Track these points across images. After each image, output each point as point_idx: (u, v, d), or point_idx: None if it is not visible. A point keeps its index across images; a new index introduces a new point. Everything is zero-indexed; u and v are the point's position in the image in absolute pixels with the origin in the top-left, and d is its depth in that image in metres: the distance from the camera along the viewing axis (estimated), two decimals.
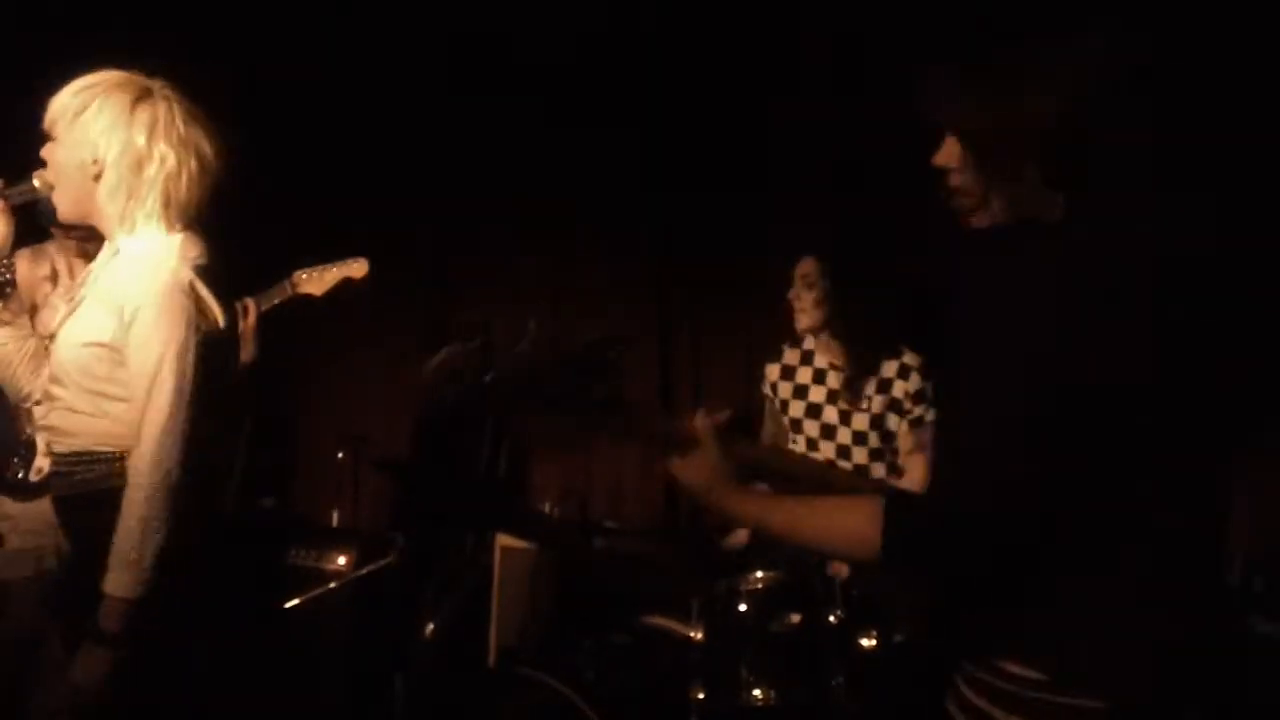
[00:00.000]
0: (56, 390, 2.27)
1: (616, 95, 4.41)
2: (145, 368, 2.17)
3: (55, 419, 2.29)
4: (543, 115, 4.49)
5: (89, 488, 2.25)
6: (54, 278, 3.09)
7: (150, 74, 2.35)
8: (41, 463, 2.99)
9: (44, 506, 2.99)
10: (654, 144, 4.41)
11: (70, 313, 2.32)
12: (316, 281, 3.35)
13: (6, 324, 2.41)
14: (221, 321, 2.30)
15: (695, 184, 4.38)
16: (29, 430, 3.01)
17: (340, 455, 4.20)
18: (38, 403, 2.42)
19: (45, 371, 2.41)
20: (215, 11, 4.20)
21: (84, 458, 2.25)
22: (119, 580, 2.11)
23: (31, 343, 2.43)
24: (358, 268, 3.40)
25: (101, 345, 2.22)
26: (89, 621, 2.13)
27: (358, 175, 4.61)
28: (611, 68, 4.40)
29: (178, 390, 2.17)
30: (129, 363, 2.20)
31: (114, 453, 2.23)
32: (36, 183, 2.34)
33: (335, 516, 4.23)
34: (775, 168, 4.25)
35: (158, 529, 2.12)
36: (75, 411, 2.25)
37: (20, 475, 3.02)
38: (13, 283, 2.41)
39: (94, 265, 2.39)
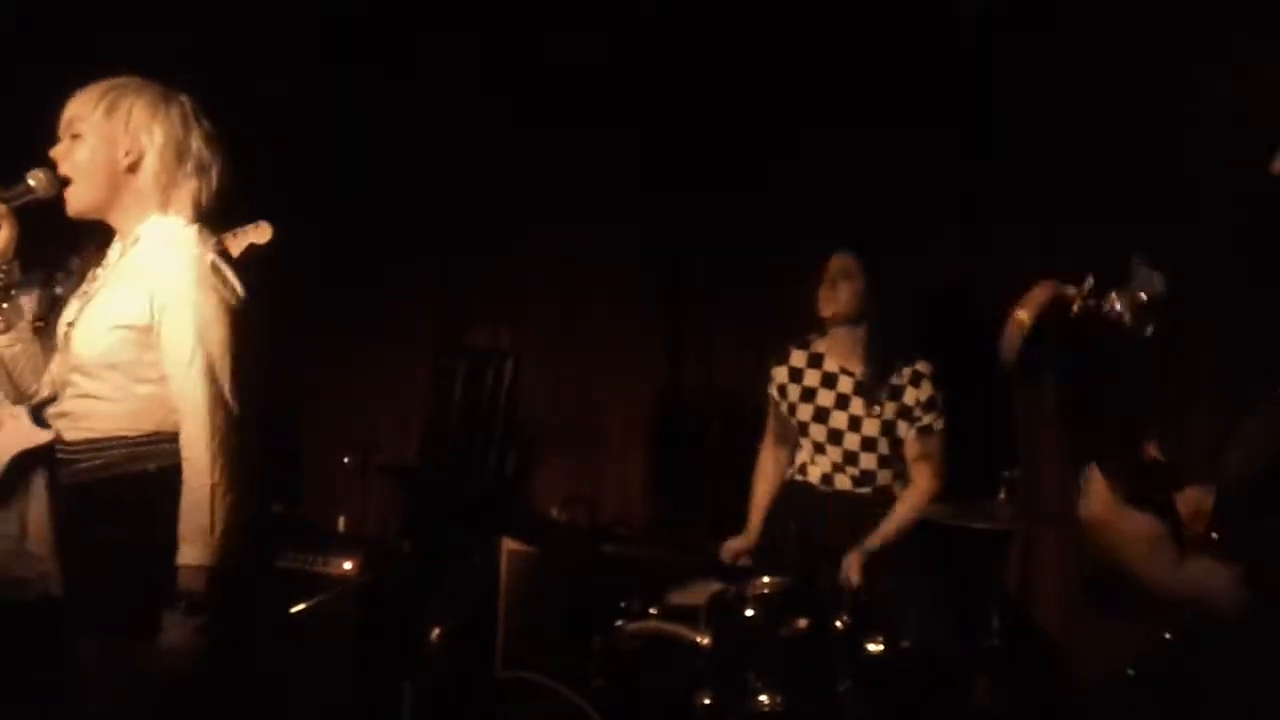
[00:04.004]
0: (77, 378, 2.32)
1: (621, 95, 4.41)
2: (182, 344, 2.25)
3: (73, 405, 2.32)
4: (547, 117, 4.49)
5: (107, 473, 2.28)
6: None
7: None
8: None
9: (12, 532, 2.98)
10: (660, 144, 4.41)
11: (88, 301, 2.36)
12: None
13: (12, 326, 2.42)
14: (240, 295, 2.36)
15: (704, 183, 4.37)
16: None
17: (346, 461, 4.19)
18: (44, 400, 2.45)
19: (50, 370, 2.45)
20: (215, 13, 4.21)
21: (104, 443, 2.29)
22: (193, 551, 2.20)
23: (35, 345, 2.47)
24: (261, 232, 3.34)
25: (131, 328, 2.27)
26: (172, 594, 2.19)
27: (362, 180, 4.61)
28: (615, 68, 4.40)
29: (216, 363, 2.26)
30: (161, 342, 2.26)
31: (138, 436, 2.28)
32: (31, 182, 2.36)
33: (342, 522, 4.22)
34: (782, 166, 4.25)
35: (224, 494, 2.21)
36: (97, 397, 2.30)
37: None
38: (17, 285, 2.43)
39: (108, 255, 2.43)
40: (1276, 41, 2.74)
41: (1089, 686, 3.29)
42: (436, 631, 3.62)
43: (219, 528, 2.20)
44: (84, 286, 2.43)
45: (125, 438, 2.29)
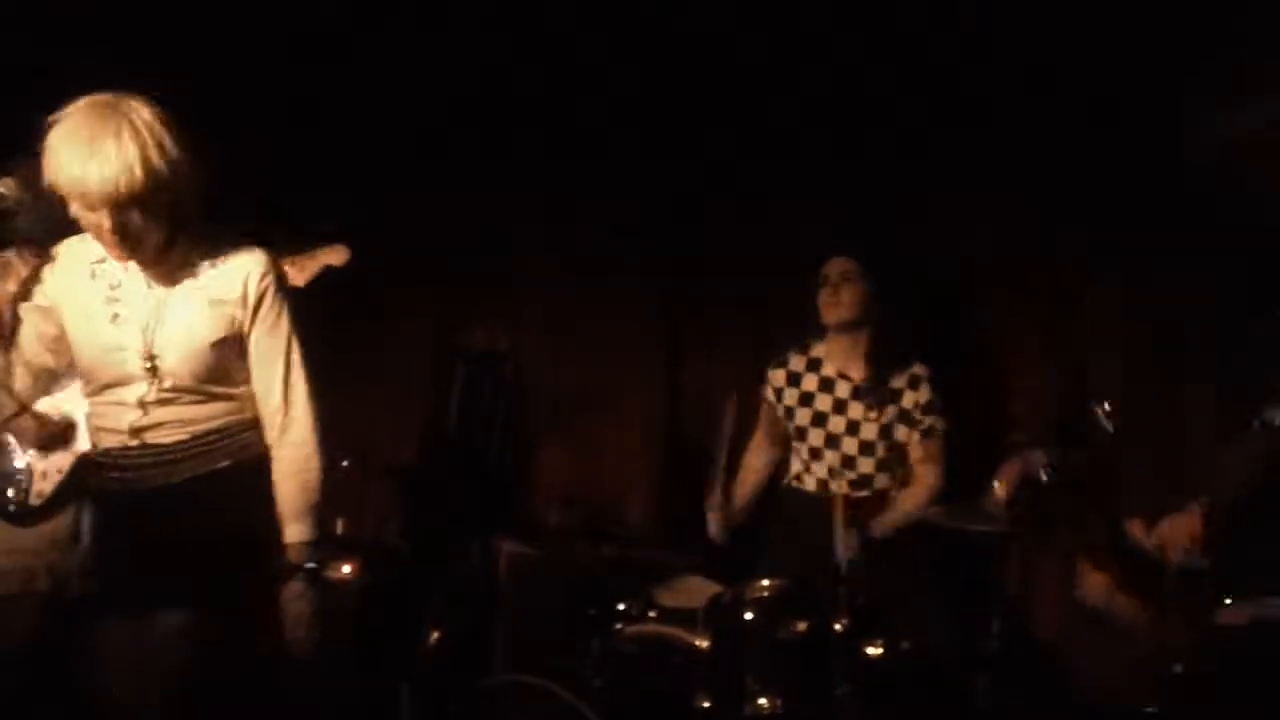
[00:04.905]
0: (172, 395, 2.43)
1: (621, 96, 4.40)
2: (279, 346, 2.48)
3: (167, 415, 2.44)
4: (548, 120, 4.49)
5: (213, 463, 2.46)
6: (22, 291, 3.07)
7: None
8: (41, 486, 2.98)
9: (41, 529, 2.99)
10: (660, 144, 4.40)
11: (156, 323, 2.40)
12: (298, 272, 3.33)
13: None
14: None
15: (704, 184, 4.37)
16: (19, 458, 2.97)
17: (345, 464, 4.18)
18: (14, 416, 2.51)
19: (15, 386, 2.50)
20: (216, 13, 4.20)
21: (211, 435, 2.47)
22: (303, 528, 2.47)
23: (3, 359, 2.49)
24: (338, 254, 3.37)
25: (225, 341, 2.44)
26: (281, 567, 2.44)
27: (361, 180, 4.60)
28: (616, 69, 4.39)
29: (306, 359, 2.51)
30: (257, 346, 2.47)
31: (240, 423, 2.50)
32: (2, 189, 2.35)
33: (340, 525, 4.21)
34: (783, 166, 4.24)
35: (323, 476, 2.50)
36: (199, 403, 2.46)
37: (21, 502, 2.99)
38: None
39: (132, 273, 2.42)
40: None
41: (1087, 686, 3.29)
42: (435, 633, 3.62)
43: (319, 505, 2.48)
44: (103, 305, 2.41)
45: (232, 425, 2.48)
